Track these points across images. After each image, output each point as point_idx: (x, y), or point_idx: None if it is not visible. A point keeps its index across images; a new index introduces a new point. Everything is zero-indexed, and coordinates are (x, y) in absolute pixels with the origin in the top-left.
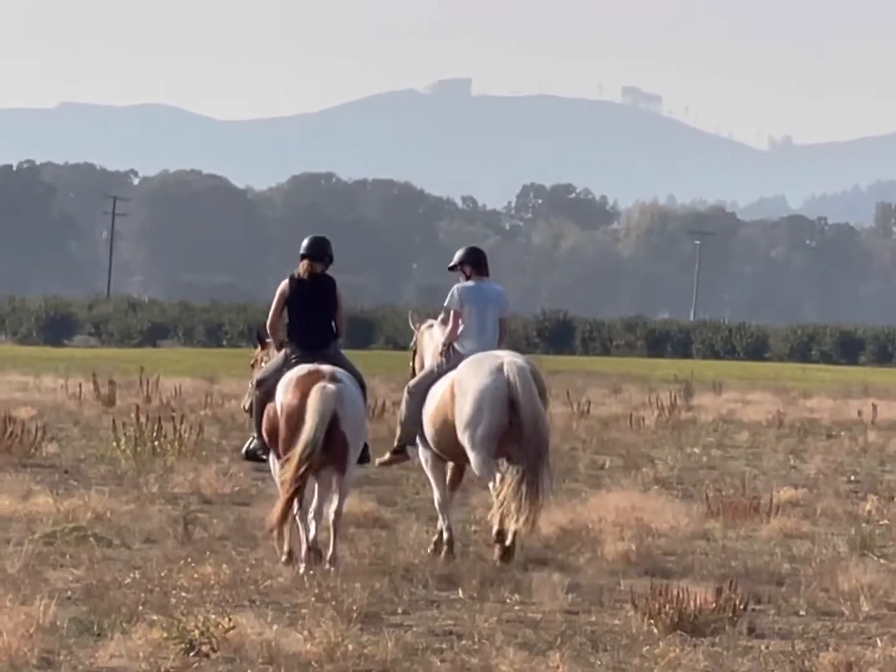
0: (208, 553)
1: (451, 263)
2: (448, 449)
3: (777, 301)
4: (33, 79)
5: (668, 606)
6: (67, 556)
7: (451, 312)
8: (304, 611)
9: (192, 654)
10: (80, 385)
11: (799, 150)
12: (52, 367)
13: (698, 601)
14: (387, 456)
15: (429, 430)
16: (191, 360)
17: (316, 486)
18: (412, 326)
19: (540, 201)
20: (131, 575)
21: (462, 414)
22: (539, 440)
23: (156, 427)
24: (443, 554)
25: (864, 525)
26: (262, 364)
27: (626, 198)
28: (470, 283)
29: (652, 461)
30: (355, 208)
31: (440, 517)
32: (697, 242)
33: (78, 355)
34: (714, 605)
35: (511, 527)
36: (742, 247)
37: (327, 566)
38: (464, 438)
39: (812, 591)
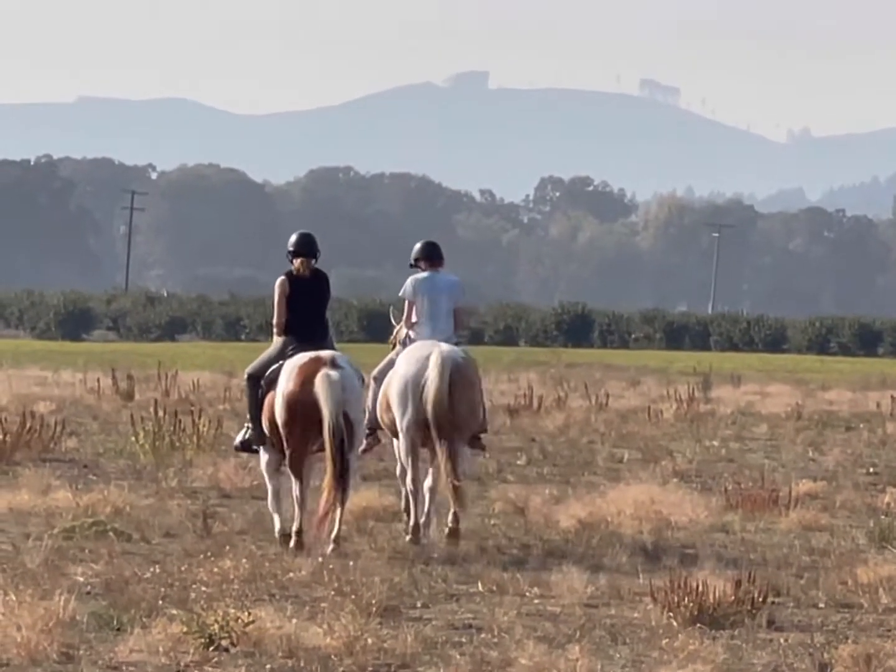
0: (228, 547)
1: (410, 261)
2: (395, 432)
3: (795, 293)
4: (51, 73)
5: (687, 599)
6: (87, 551)
7: (406, 302)
8: (323, 605)
9: (211, 648)
10: (98, 380)
11: (817, 143)
12: (70, 361)
13: (717, 594)
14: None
15: (381, 415)
16: (209, 355)
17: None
18: (392, 322)
19: (558, 194)
20: (151, 569)
21: (392, 402)
22: (453, 428)
23: (174, 421)
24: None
25: (882, 517)
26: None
27: (644, 190)
28: (424, 274)
29: (670, 454)
30: (373, 202)
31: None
32: (716, 235)
33: (96, 350)
34: (733, 597)
35: (451, 507)
36: (760, 239)
37: (332, 546)
38: (397, 425)
39: (831, 583)
